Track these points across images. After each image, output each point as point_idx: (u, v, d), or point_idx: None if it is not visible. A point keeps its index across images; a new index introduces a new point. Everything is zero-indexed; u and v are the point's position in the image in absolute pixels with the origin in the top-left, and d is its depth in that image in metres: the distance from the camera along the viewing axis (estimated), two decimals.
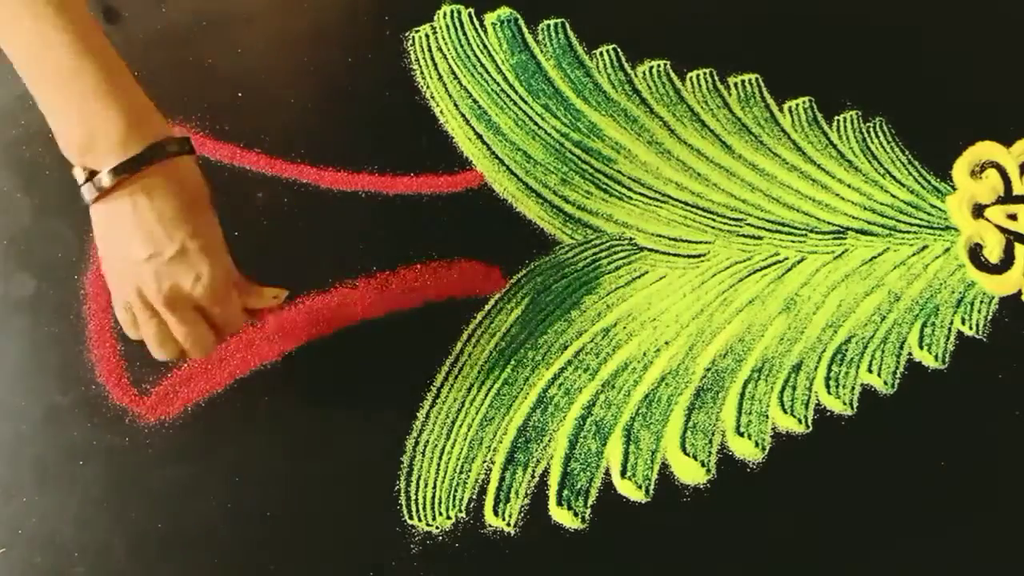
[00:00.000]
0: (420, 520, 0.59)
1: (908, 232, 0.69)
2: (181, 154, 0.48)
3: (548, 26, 0.72)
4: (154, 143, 0.46)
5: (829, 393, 0.64)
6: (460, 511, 0.59)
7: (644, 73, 0.71)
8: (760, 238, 0.68)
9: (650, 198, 0.68)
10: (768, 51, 0.72)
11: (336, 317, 0.63)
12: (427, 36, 0.71)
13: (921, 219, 0.69)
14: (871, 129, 0.71)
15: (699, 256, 0.67)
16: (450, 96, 0.69)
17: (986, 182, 0.70)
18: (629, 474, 0.61)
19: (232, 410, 0.61)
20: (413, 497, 0.59)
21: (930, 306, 0.67)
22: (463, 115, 0.69)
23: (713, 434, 0.62)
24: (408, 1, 0.71)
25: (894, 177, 0.70)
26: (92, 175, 0.46)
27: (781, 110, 0.71)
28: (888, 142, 0.71)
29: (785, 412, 0.63)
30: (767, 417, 0.63)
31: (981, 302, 0.67)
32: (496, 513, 0.60)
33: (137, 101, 0.47)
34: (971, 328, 0.66)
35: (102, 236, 0.49)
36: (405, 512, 0.59)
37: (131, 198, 0.46)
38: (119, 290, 0.50)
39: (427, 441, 0.61)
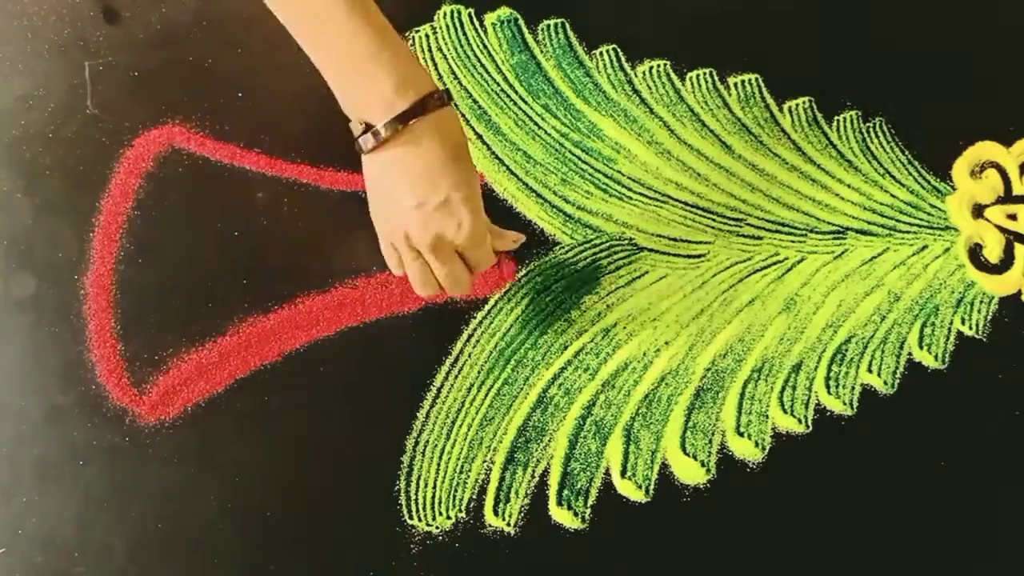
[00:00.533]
0: (420, 520, 0.59)
1: (908, 232, 0.69)
2: (444, 106, 0.51)
3: (548, 26, 0.72)
4: (422, 97, 0.50)
5: (829, 393, 0.64)
6: (460, 511, 0.59)
7: (644, 73, 0.71)
8: (760, 238, 0.68)
9: (650, 198, 0.68)
10: (768, 51, 0.72)
11: (336, 317, 0.63)
12: (427, 36, 0.70)
13: (921, 219, 0.69)
14: (871, 129, 0.71)
15: (699, 256, 0.67)
16: None
17: (986, 182, 0.70)
18: (629, 474, 0.61)
19: (232, 410, 0.61)
20: (413, 497, 0.59)
21: (930, 306, 0.67)
22: (463, 115, 0.69)
23: (713, 434, 0.62)
24: (408, 1, 0.71)
25: (894, 177, 0.70)
26: (368, 128, 0.50)
27: (781, 110, 0.71)
28: (888, 142, 0.71)
29: (785, 412, 0.63)
30: (767, 417, 0.63)
31: (981, 302, 0.67)
32: (496, 513, 0.60)
33: (406, 59, 0.50)
34: (971, 328, 0.66)
35: (373, 183, 0.54)
36: (405, 512, 0.59)
37: (402, 149, 0.50)
38: (386, 232, 0.55)
39: (427, 441, 0.61)
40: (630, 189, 0.68)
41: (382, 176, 0.53)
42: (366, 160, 0.53)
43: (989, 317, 0.66)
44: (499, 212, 0.66)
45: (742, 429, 0.62)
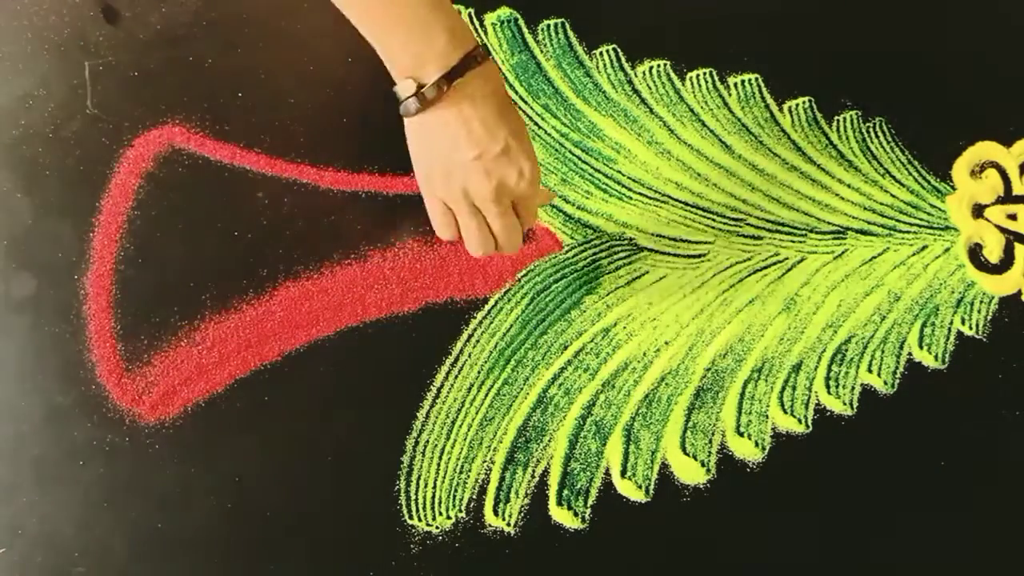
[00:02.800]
0: (420, 520, 0.59)
1: (908, 232, 0.69)
2: (487, 58, 0.51)
3: (548, 26, 0.72)
4: (469, 52, 0.50)
5: (829, 393, 0.64)
6: (460, 511, 0.59)
7: (644, 73, 0.71)
8: (760, 238, 0.68)
9: (650, 198, 0.68)
10: (768, 51, 0.72)
11: (336, 317, 0.63)
12: None
13: (921, 219, 0.69)
14: (871, 129, 0.71)
15: (699, 256, 0.67)
16: None
17: (986, 182, 0.70)
18: (629, 474, 0.61)
19: (232, 410, 0.61)
20: (413, 497, 0.59)
21: (930, 306, 0.67)
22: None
23: (713, 434, 0.62)
24: None
25: (894, 177, 0.70)
26: (420, 86, 0.50)
27: (781, 110, 0.71)
28: (888, 142, 0.71)
29: (785, 412, 0.63)
30: (767, 417, 0.63)
31: (981, 302, 0.67)
32: (496, 513, 0.60)
33: (451, 16, 0.50)
34: (971, 328, 0.66)
35: (426, 143, 0.53)
36: (405, 512, 0.59)
37: (456, 104, 0.50)
38: (441, 192, 0.54)
39: (427, 441, 0.61)
40: (630, 189, 0.68)
41: (435, 133, 0.52)
42: (417, 121, 0.52)
43: (989, 317, 0.66)
44: None
45: (742, 429, 0.62)
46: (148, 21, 0.68)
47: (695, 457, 0.62)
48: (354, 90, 0.69)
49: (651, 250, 0.67)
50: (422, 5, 0.49)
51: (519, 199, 0.54)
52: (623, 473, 0.61)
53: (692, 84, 0.71)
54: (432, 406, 0.62)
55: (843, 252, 0.68)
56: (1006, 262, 0.68)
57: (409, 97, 0.50)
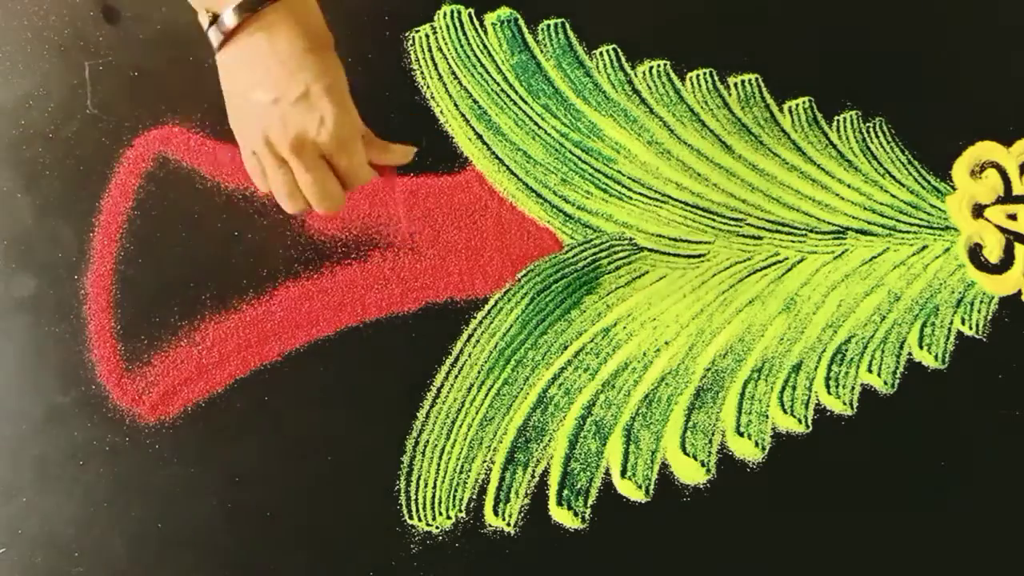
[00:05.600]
0: (420, 520, 0.59)
1: (908, 232, 0.69)
2: None
3: (548, 26, 0.72)
4: None
5: (829, 393, 0.64)
6: (460, 511, 0.60)
7: (644, 73, 0.71)
8: (760, 238, 0.68)
9: (650, 198, 0.68)
10: (768, 51, 0.72)
11: (336, 317, 0.63)
12: (427, 36, 0.70)
13: (921, 219, 0.69)
14: (871, 129, 0.71)
15: (699, 256, 0.67)
16: (450, 96, 0.69)
17: (986, 182, 0.70)
18: (629, 474, 0.61)
19: (232, 410, 0.61)
20: (413, 497, 0.59)
21: (930, 306, 0.67)
22: (463, 115, 0.69)
23: (713, 434, 0.62)
24: (408, 1, 0.71)
25: (894, 177, 0.70)
26: (215, 19, 0.46)
27: (781, 110, 0.71)
28: (888, 142, 0.71)
29: (785, 412, 0.63)
30: (767, 417, 0.63)
31: (981, 302, 0.67)
32: (496, 513, 0.60)
33: None
34: (971, 328, 0.66)
35: (229, 83, 0.49)
36: (405, 512, 0.59)
37: (252, 39, 0.46)
38: (246, 138, 0.49)
39: (427, 441, 0.61)
40: (630, 189, 0.68)
41: (236, 72, 0.48)
42: (219, 58, 0.48)
43: (989, 317, 0.66)
44: (499, 212, 0.66)
45: (742, 429, 0.62)
46: (148, 21, 0.68)
47: (695, 457, 0.62)
48: (354, 90, 0.69)
49: (651, 250, 0.67)
50: None
51: (330, 153, 0.48)
52: (623, 473, 0.61)
53: (692, 84, 0.71)
54: (432, 406, 0.62)
55: (843, 252, 0.68)
56: (1006, 262, 0.68)
57: (209, 28, 0.46)
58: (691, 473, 0.61)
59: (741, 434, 0.62)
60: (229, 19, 0.45)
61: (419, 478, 0.60)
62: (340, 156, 0.49)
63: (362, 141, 0.51)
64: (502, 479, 0.60)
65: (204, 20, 0.47)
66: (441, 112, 0.69)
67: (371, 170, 0.51)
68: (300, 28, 0.46)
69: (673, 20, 0.73)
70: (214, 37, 0.47)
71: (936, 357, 0.65)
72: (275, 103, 0.46)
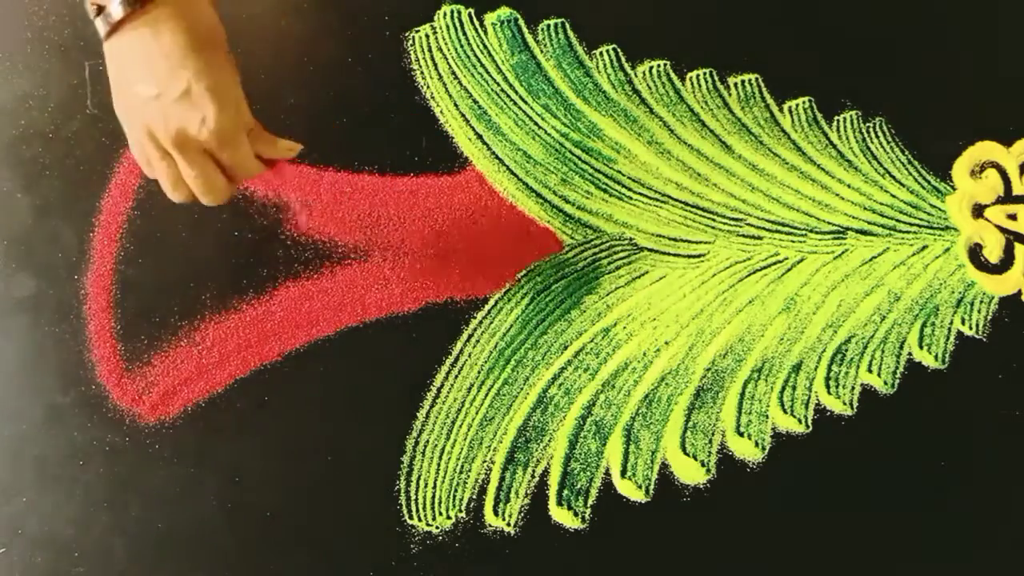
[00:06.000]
0: (420, 520, 0.59)
1: (908, 232, 0.69)
2: None
3: (548, 26, 0.72)
4: None
5: (829, 393, 0.64)
6: (460, 511, 0.60)
7: (644, 73, 0.71)
8: (760, 238, 0.68)
9: (650, 198, 0.68)
10: (768, 51, 0.72)
11: (336, 317, 0.63)
12: (427, 36, 0.70)
13: (921, 219, 0.69)
14: (871, 129, 0.71)
15: (699, 256, 0.67)
16: (450, 96, 0.69)
17: (986, 182, 0.70)
18: (629, 474, 0.61)
19: (232, 410, 0.61)
20: (413, 497, 0.59)
21: (930, 306, 0.67)
22: (463, 115, 0.69)
23: (713, 434, 0.62)
24: (408, 1, 0.71)
25: (894, 177, 0.70)
26: (101, 10, 0.46)
27: (781, 110, 0.71)
28: (888, 142, 0.71)
29: (785, 412, 0.63)
30: (767, 417, 0.63)
31: (981, 302, 0.67)
32: (496, 513, 0.60)
33: None
34: (971, 328, 0.66)
35: (114, 74, 0.49)
36: (405, 512, 0.59)
37: (137, 32, 0.46)
38: (130, 128, 0.50)
39: (427, 441, 0.61)
40: (630, 189, 0.68)
41: (121, 63, 0.48)
42: (106, 47, 0.48)
43: (989, 317, 0.66)
44: (499, 212, 0.66)
45: (742, 429, 0.62)
46: None
47: (695, 457, 0.62)
48: (354, 90, 0.69)
49: (651, 250, 0.67)
50: None
51: (212, 149, 0.49)
52: (623, 473, 0.61)
53: (692, 84, 0.71)
54: (432, 406, 0.62)
55: (843, 252, 0.68)
56: (1006, 262, 0.68)
57: (96, 17, 0.47)
58: (691, 473, 0.61)
59: (741, 434, 0.62)
60: (115, 11, 0.46)
61: (419, 478, 0.60)
62: (223, 152, 0.49)
63: (252, 135, 0.51)
64: (502, 479, 0.60)
65: (90, 9, 0.47)
66: (441, 112, 0.69)
67: (259, 164, 0.52)
68: (185, 25, 0.47)
69: (673, 20, 0.73)
70: (100, 27, 0.47)
71: (936, 357, 0.65)
72: (157, 98, 0.47)
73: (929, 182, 0.70)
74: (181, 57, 0.46)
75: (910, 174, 0.70)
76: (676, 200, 0.68)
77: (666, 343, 0.64)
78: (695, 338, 0.65)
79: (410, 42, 0.70)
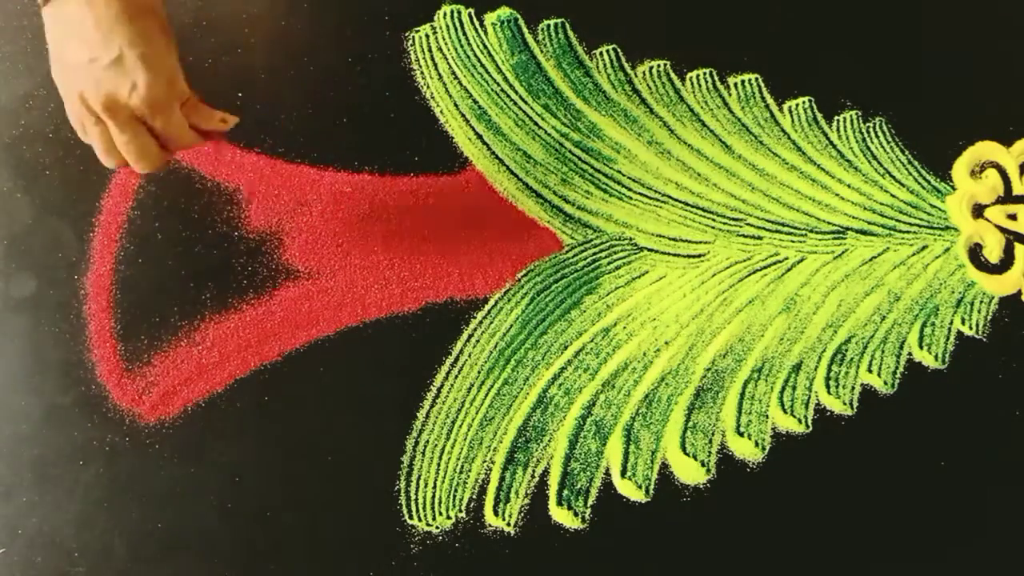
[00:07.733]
0: (420, 520, 0.59)
1: (908, 232, 0.69)
2: None
3: (548, 26, 0.72)
4: None
5: (829, 393, 0.64)
6: (460, 511, 0.59)
7: (644, 73, 0.71)
8: (760, 238, 0.68)
9: (650, 198, 0.68)
10: (768, 51, 0.72)
11: (336, 317, 0.63)
12: (427, 36, 0.71)
13: (921, 219, 0.69)
14: (871, 129, 0.71)
15: (699, 256, 0.67)
16: (450, 96, 0.69)
17: (986, 182, 0.70)
18: (629, 474, 0.61)
19: (232, 410, 0.61)
20: (413, 497, 0.59)
21: (930, 306, 0.67)
22: (463, 115, 0.69)
23: (713, 434, 0.62)
24: (408, 1, 0.71)
25: (894, 177, 0.70)
26: None
27: (781, 110, 0.71)
28: (888, 142, 0.71)
29: (785, 412, 0.63)
30: (767, 417, 0.63)
31: (981, 302, 0.67)
32: (496, 513, 0.60)
33: None
34: (971, 328, 0.66)
35: (51, 41, 0.50)
36: (405, 512, 0.59)
37: (74, 0, 0.47)
38: (65, 92, 0.50)
39: (427, 441, 0.61)
40: (630, 189, 0.68)
41: (57, 29, 0.49)
42: (44, 12, 0.49)
43: (989, 317, 0.66)
44: (500, 212, 0.66)
45: (742, 429, 0.62)
46: None
47: (695, 457, 0.62)
48: (354, 90, 0.69)
49: (651, 250, 0.67)
50: None
51: (146, 117, 0.50)
52: (623, 473, 0.61)
53: (692, 84, 0.71)
54: (432, 406, 0.62)
55: (843, 252, 0.68)
56: (1006, 262, 0.68)
57: None
58: (691, 473, 0.61)
59: (741, 434, 0.62)
60: None
61: (419, 478, 0.60)
62: (154, 119, 0.50)
63: (187, 105, 0.52)
64: (502, 479, 0.60)
65: None
66: (441, 112, 0.69)
67: (194, 134, 0.52)
68: None
69: (673, 20, 0.73)
70: None
71: (936, 357, 0.65)
72: (90, 64, 0.48)
73: (929, 182, 0.70)
74: (111, 24, 0.47)
75: (910, 174, 0.70)
76: (676, 200, 0.68)
77: (666, 343, 0.64)
78: (695, 338, 0.65)
79: (410, 42, 0.70)
